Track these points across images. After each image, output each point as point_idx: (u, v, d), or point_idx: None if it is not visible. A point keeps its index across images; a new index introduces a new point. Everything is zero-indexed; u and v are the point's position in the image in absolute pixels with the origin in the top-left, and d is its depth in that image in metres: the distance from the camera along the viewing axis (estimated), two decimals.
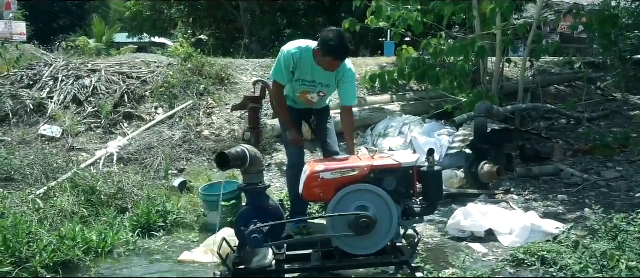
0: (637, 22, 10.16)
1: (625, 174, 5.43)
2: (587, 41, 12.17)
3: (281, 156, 6.21)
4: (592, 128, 7.02)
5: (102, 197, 4.65)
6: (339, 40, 3.64)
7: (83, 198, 4.60)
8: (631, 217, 3.30)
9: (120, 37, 22.45)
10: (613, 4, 10.26)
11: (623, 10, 10.35)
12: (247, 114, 5.46)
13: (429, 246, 3.92)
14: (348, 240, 3.10)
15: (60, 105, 6.99)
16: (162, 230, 4.35)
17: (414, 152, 5.51)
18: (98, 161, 5.77)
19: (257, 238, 2.97)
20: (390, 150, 5.75)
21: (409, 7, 6.40)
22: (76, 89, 7.24)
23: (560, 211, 4.56)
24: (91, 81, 7.40)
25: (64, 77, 7.43)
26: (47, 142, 6.27)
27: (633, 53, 9.96)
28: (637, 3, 10.31)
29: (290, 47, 3.91)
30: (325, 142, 4.29)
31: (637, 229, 3.10)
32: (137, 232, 4.21)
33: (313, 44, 3.85)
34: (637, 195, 4.82)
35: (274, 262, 3.19)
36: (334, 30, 3.72)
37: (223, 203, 4.26)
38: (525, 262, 3.40)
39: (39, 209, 4.29)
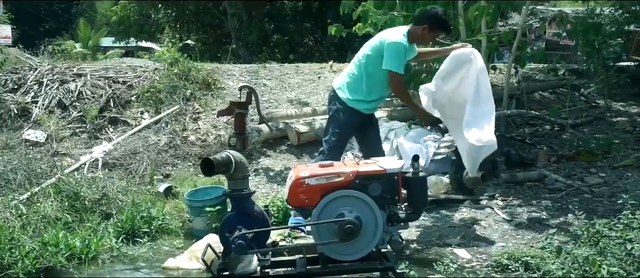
0: (620, 30, 10.31)
1: (608, 180, 5.49)
2: (571, 48, 12.30)
3: (267, 161, 6.21)
4: (575, 134, 7.09)
5: (86, 202, 4.62)
6: (446, 14, 4.02)
7: (67, 204, 4.57)
8: (613, 222, 3.33)
9: (107, 41, 22.36)
10: (597, 11, 10.42)
11: (606, 18, 10.50)
12: (233, 119, 5.46)
13: (414, 252, 3.94)
14: (333, 246, 3.10)
15: (44, 109, 6.94)
16: (146, 236, 4.33)
17: (400, 157, 5.53)
18: (82, 166, 5.73)
19: (241, 245, 2.96)
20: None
21: (395, 13, 6.43)
22: (61, 94, 7.19)
23: (544, 216, 4.60)
24: (76, 85, 7.35)
25: (48, 82, 7.38)
26: (31, 147, 6.21)
27: (616, 60, 10.09)
28: (620, 11, 10.47)
29: (396, 37, 3.96)
30: (379, 146, 4.32)
31: (618, 234, 3.13)
32: (121, 238, 4.19)
33: (404, 29, 4.04)
34: (619, 200, 4.88)
35: (258, 268, 3.18)
36: (434, 7, 4.17)
37: (208, 209, 4.25)
38: (509, 267, 3.43)
39: (21, 215, 4.26)
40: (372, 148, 4.18)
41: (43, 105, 7.00)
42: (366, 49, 4.08)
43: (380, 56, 3.94)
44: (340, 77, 4.20)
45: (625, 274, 2.76)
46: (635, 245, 2.91)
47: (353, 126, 4.11)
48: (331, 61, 9.94)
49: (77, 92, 7.25)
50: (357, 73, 4.07)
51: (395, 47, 3.89)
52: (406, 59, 4.03)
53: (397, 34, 3.97)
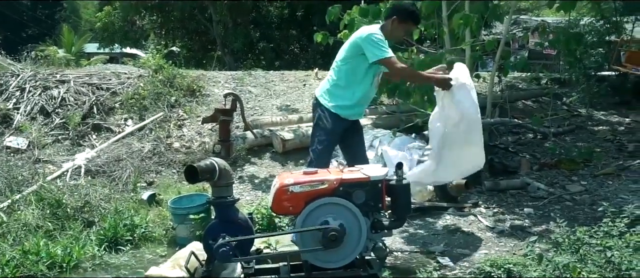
0: (601, 40, 10.49)
1: (589, 188, 5.56)
2: (553, 58, 12.48)
3: (252, 169, 6.20)
4: (557, 143, 7.18)
5: (68, 210, 4.56)
6: (415, 5, 3.90)
7: (48, 212, 4.51)
8: (593, 230, 3.38)
9: (91, 47, 22.19)
10: (581, 22, 10.59)
11: (587, 26, 10.68)
12: (217, 126, 5.44)
13: (397, 259, 3.95)
14: (317, 254, 3.10)
15: (26, 116, 6.86)
16: (129, 244, 4.28)
17: (385, 165, 5.55)
18: (65, 173, 5.67)
19: (225, 252, 2.95)
20: None
21: (380, 21, 6.47)
22: (43, 100, 7.12)
23: (527, 224, 4.65)
24: (59, 92, 7.28)
25: (31, 88, 7.31)
26: (12, 154, 6.13)
27: (597, 70, 10.26)
28: (601, 21, 10.65)
29: (370, 29, 3.91)
30: (363, 154, 4.27)
31: (598, 242, 3.18)
32: (103, 246, 4.14)
33: (376, 26, 3.98)
34: (600, 208, 4.94)
35: (242, 275, 3.17)
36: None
37: (192, 216, 4.23)
38: (492, 274, 3.44)
39: (2, 223, 4.20)
40: (356, 155, 4.15)
41: (25, 111, 6.92)
42: (342, 52, 4.03)
43: (358, 55, 3.89)
44: (321, 85, 4.19)
45: None
46: (615, 253, 2.96)
47: (338, 133, 4.08)
48: (316, 68, 9.97)
49: (60, 99, 7.18)
50: (337, 78, 4.02)
51: (372, 37, 3.83)
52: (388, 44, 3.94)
53: (371, 28, 3.93)
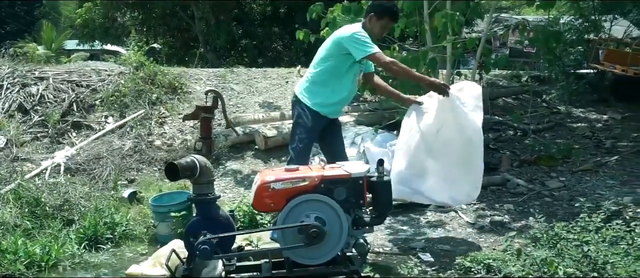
0: (580, 38, 10.65)
1: (568, 184, 5.64)
2: (533, 56, 12.63)
3: (234, 166, 6.18)
4: (537, 139, 7.27)
5: (47, 208, 4.51)
6: (393, 1, 3.89)
7: (27, 210, 4.46)
8: (571, 225, 3.43)
9: (71, 44, 21.89)
10: (562, 21, 10.73)
11: (567, 24, 10.83)
12: (199, 123, 5.41)
13: (379, 256, 3.97)
14: (298, 251, 3.11)
15: (4, 113, 6.75)
16: (109, 243, 4.25)
17: (367, 162, 5.57)
18: (44, 172, 5.59)
19: (206, 250, 2.94)
20: None
21: (362, 18, 6.48)
22: (22, 97, 7.01)
23: (506, 220, 4.70)
24: (38, 89, 7.18)
25: (9, 85, 7.18)
26: None
27: (576, 67, 10.41)
28: (580, 20, 10.81)
29: (352, 29, 3.89)
30: (342, 152, 4.25)
31: (575, 237, 3.22)
32: (83, 245, 4.11)
33: (357, 25, 3.97)
34: (577, 204, 5.02)
35: (223, 273, 3.17)
36: None
37: (173, 214, 4.21)
38: (472, 270, 3.49)
39: None
40: (335, 153, 4.14)
41: (3, 109, 6.80)
42: (322, 51, 4.03)
43: (340, 55, 3.89)
44: (301, 82, 4.19)
45: (581, 275, 2.84)
46: (592, 247, 3.01)
47: (318, 130, 4.07)
48: (299, 66, 9.97)
49: (38, 96, 7.08)
50: (317, 76, 4.02)
51: (355, 35, 3.82)
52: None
53: (352, 27, 3.93)
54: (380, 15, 3.96)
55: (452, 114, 3.86)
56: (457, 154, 3.89)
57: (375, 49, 3.82)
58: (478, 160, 3.90)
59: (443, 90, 3.86)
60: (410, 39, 8.93)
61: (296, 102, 4.11)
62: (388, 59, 3.92)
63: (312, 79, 4.05)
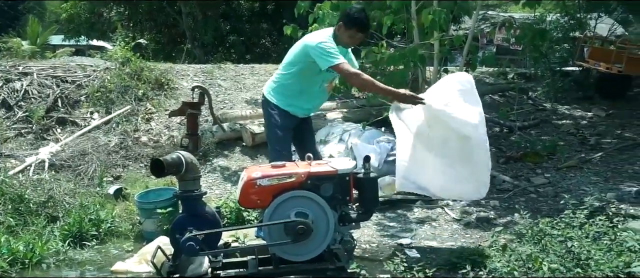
0: (565, 36, 10.73)
1: (553, 180, 5.69)
2: (519, 53, 12.70)
3: (221, 162, 6.16)
4: (523, 136, 7.32)
5: (31, 205, 4.47)
6: (363, 12, 3.83)
7: (10, 207, 4.42)
8: (555, 221, 3.46)
9: (57, 39, 21.61)
10: (548, 19, 10.80)
11: (553, 22, 10.91)
12: (185, 119, 5.38)
13: (365, 251, 3.98)
14: (285, 247, 3.11)
15: None
16: (94, 240, 4.22)
17: (354, 158, 5.58)
18: (28, 168, 5.54)
19: (192, 246, 2.93)
20: (331, 156, 5.80)
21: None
22: (5, 93, 6.93)
23: (492, 216, 4.74)
24: (22, 85, 7.10)
25: None
26: None
27: (562, 65, 10.49)
28: (566, 18, 10.89)
29: (319, 38, 3.79)
30: (314, 149, 4.17)
31: (560, 233, 3.26)
32: (67, 242, 4.07)
33: (329, 31, 3.91)
34: (562, 200, 5.07)
35: (209, 269, 3.16)
36: (356, 5, 3.97)
37: (159, 210, 4.19)
38: (458, 265, 3.51)
39: None
40: (307, 151, 4.14)
41: None
42: (290, 55, 4.01)
43: (307, 61, 3.84)
44: (269, 82, 4.17)
45: (565, 270, 2.87)
46: (575, 243, 3.04)
47: (290, 128, 4.05)
48: None
49: (22, 92, 7.00)
50: (285, 78, 4.01)
51: (320, 46, 3.73)
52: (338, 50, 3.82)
53: (320, 36, 3.86)
54: (348, 26, 3.85)
55: (440, 118, 3.68)
56: (456, 152, 3.72)
57: (339, 59, 3.71)
58: (482, 156, 3.72)
59: (413, 100, 3.68)
60: (398, 36, 8.95)
61: (265, 102, 4.10)
62: (352, 70, 3.81)
63: (279, 81, 4.05)
